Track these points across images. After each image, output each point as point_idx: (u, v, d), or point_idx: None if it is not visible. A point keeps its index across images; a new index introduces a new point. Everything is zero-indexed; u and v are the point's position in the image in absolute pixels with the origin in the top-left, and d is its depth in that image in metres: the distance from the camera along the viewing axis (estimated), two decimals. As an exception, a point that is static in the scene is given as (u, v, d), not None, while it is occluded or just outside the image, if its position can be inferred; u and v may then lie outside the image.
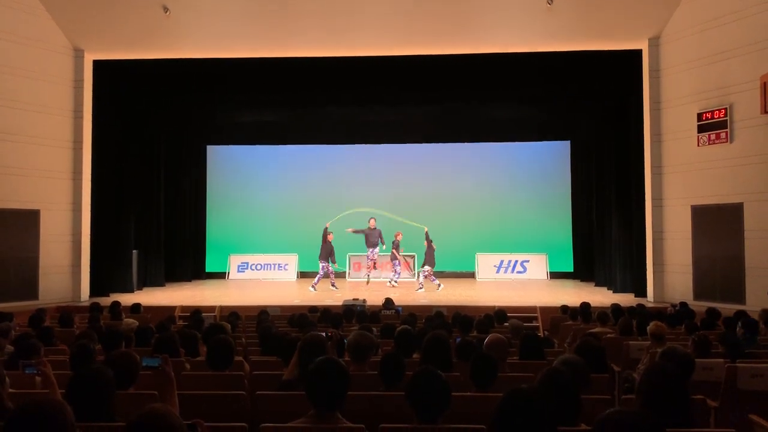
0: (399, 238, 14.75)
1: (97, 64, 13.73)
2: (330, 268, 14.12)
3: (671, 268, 12.44)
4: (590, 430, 2.91)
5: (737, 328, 6.48)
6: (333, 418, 2.96)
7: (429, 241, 14.13)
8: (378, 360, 4.15)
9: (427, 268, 14.05)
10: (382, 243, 14.76)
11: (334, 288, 13.98)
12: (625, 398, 3.90)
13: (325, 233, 14.21)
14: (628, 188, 13.58)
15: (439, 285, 13.90)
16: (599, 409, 3.63)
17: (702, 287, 11.74)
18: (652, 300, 12.33)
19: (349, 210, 15.83)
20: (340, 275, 16.32)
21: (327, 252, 14.09)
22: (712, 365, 4.76)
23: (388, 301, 10.05)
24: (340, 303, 10.54)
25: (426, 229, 14.39)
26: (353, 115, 16.92)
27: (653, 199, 12.61)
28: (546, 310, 10.66)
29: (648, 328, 6.14)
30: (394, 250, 14.69)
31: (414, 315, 8.14)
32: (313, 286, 13.97)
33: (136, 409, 2.19)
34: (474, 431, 2.87)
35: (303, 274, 17.51)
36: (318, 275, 14.18)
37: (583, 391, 3.43)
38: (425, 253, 14.19)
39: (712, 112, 11.54)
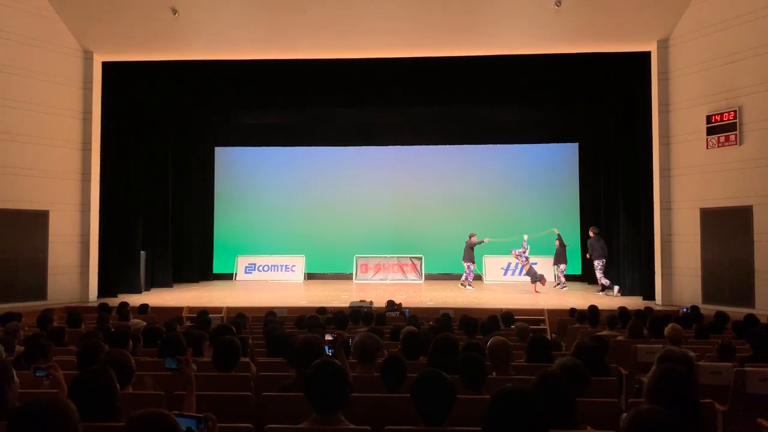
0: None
1: (106, 66, 13.80)
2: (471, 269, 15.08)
3: (680, 272, 12.35)
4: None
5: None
6: (336, 420, 2.95)
7: (560, 240, 14.79)
8: (383, 362, 4.13)
9: (562, 266, 14.65)
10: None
11: (468, 287, 14.74)
12: (633, 401, 3.87)
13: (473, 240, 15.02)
14: (636, 191, 13.52)
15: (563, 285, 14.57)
16: (604, 412, 3.62)
17: (711, 290, 11.65)
18: (660, 303, 12.24)
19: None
20: (347, 276, 16.73)
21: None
22: (721, 369, 4.72)
23: (391, 303, 10.03)
24: (347, 305, 10.54)
25: (557, 231, 15.02)
26: (361, 117, 17.00)
27: (662, 201, 12.53)
28: (553, 313, 10.62)
29: (665, 330, 6.11)
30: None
31: (416, 317, 8.13)
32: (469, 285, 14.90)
33: (136, 409, 2.19)
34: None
35: (310, 276, 17.55)
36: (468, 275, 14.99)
37: (583, 394, 3.41)
38: (557, 253, 14.80)
39: (722, 114, 11.46)
